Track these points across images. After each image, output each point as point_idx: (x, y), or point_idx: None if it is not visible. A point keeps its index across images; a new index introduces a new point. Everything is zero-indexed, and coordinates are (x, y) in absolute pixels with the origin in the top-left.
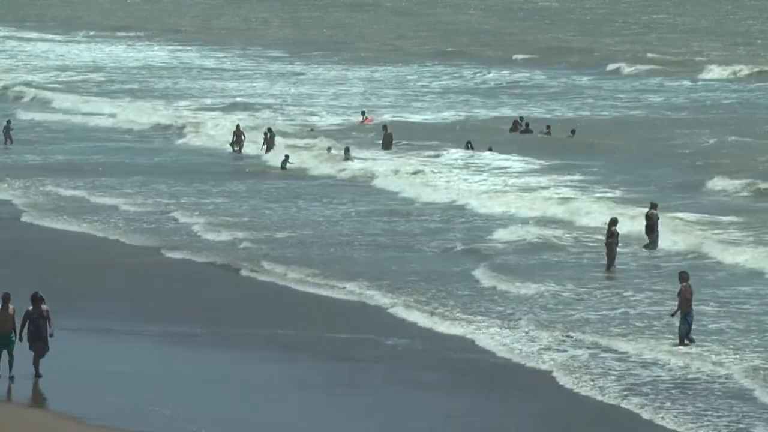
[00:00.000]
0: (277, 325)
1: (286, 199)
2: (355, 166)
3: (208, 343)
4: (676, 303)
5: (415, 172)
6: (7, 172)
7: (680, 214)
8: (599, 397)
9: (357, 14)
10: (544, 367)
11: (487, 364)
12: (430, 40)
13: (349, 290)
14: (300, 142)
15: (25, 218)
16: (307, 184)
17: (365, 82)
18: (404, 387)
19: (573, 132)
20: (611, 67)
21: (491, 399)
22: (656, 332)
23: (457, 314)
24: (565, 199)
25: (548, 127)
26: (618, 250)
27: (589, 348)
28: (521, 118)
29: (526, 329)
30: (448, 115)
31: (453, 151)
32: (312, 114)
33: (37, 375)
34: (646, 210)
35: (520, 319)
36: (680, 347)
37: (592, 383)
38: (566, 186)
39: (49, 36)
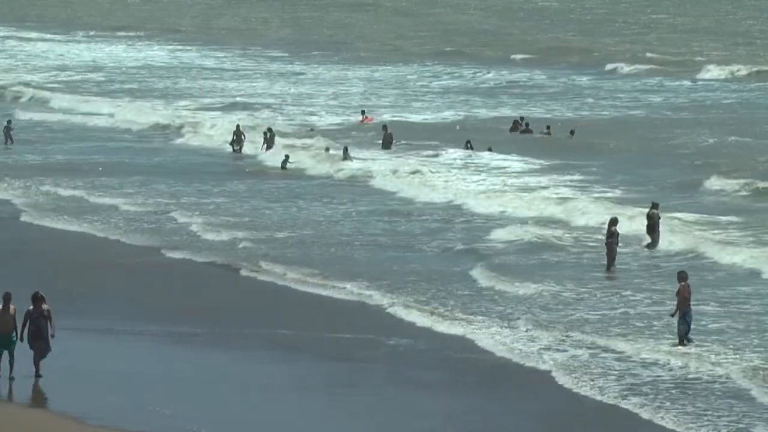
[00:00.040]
0: (277, 325)
1: (287, 199)
2: (353, 165)
3: (208, 343)
4: (676, 303)
5: (413, 172)
6: (7, 171)
7: (679, 214)
8: (599, 397)
9: (357, 14)
10: (544, 366)
11: (487, 364)
12: (430, 40)
13: (349, 290)
14: (298, 142)
15: (25, 218)
16: (306, 184)
17: (365, 82)
18: (404, 387)
19: (572, 132)
20: (610, 66)
21: (491, 399)
22: (656, 332)
23: (457, 314)
24: (564, 199)
25: (548, 127)
26: (618, 249)
27: (589, 348)
28: (522, 118)
29: (526, 329)
30: (448, 115)
31: (452, 151)
32: (311, 114)
33: (38, 375)
34: (643, 210)
35: (519, 318)
36: (680, 347)
37: (591, 383)
38: (565, 186)
39: (49, 36)
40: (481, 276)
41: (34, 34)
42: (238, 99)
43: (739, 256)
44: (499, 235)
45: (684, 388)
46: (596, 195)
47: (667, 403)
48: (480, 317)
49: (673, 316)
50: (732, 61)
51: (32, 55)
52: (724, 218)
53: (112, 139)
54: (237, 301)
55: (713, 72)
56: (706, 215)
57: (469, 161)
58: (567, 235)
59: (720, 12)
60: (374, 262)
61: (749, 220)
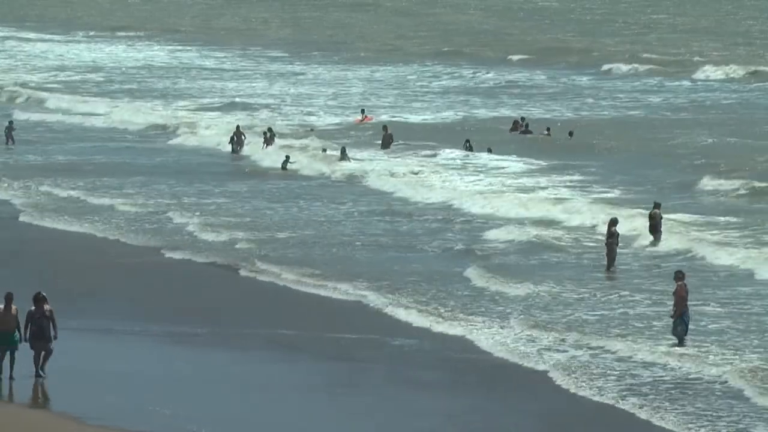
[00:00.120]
0: (278, 325)
1: (287, 200)
2: (351, 166)
3: (208, 343)
4: (673, 303)
5: (412, 173)
6: (6, 172)
7: (678, 215)
8: (599, 398)
9: (357, 14)
10: (543, 367)
11: (486, 364)
12: (430, 40)
13: (350, 290)
14: (296, 143)
15: (25, 218)
16: (306, 185)
17: (365, 82)
18: (404, 387)
19: (571, 134)
20: (607, 66)
21: (491, 399)
22: (656, 333)
23: (457, 314)
24: (563, 200)
25: (548, 128)
26: (618, 250)
27: (588, 348)
28: (522, 119)
29: (526, 329)
30: (448, 115)
31: (450, 151)
32: (310, 114)
33: (38, 375)
34: (641, 210)
35: (519, 319)
36: (677, 348)
37: (591, 383)
38: (564, 186)
39: (49, 36)
40: (480, 276)
41: (33, 35)
42: (237, 99)
43: (738, 257)
44: (498, 235)
45: (684, 389)
46: (595, 196)
47: (667, 404)
48: (480, 317)
49: (672, 317)
50: (731, 62)
51: (32, 55)
52: (722, 218)
53: (113, 139)
54: (237, 301)
55: (712, 72)
56: (704, 216)
57: (468, 161)
58: (567, 236)
59: (720, 12)
60: (374, 263)
61: (748, 220)
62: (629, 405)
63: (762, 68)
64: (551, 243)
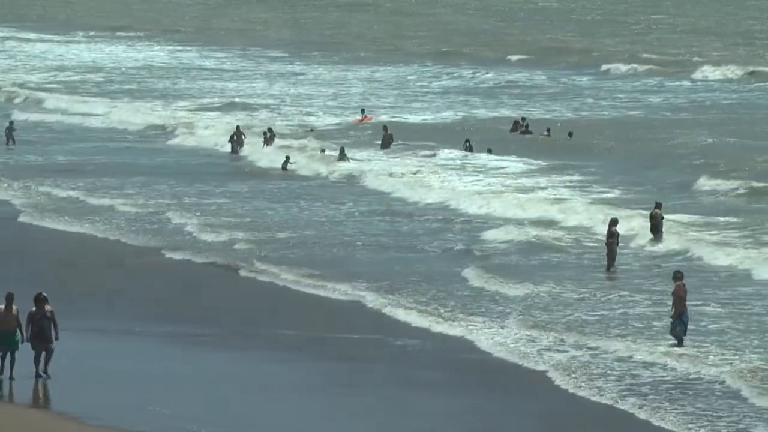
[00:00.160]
0: (277, 325)
1: (288, 200)
2: (350, 166)
3: (208, 343)
4: (671, 302)
5: (410, 173)
6: (5, 172)
7: (678, 215)
8: (598, 398)
9: (357, 14)
10: (543, 367)
11: (486, 364)
12: (430, 40)
13: (350, 291)
14: (294, 143)
15: (25, 218)
16: (306, 185)
17: (365, 83)
18: (404, 387)
19: (570, 134)
20: (606, 67)
21: (491, 399)
22: (656, 333)
23: (457, 315)
24: (562, 200)
25: (548, 129)
26: (618, 250)
27: (588, 348)
28: (523, 119)
29: (526, 329)
30: (447, 116)
31: (449, 151)
32: (310, 114)
33: (38, 375)
34: (639, 210)
35: (519, 319)
36: (677, 348)
37: (591, 384)
38: (564, 187)
39: (49, 36)
40: (480, 276)
41: (33, 35)
42: (236, 99)
43: (737, 257)
44: (497, 235)
45: (684, 389)
46: (594, 196)
47: (666, 404)
48: (480, 318)
49: (672, 318)
50: (731, 62)
51: (31, 55)
52: (722, 219)
53: (112, 139)
54: (237, 301)
55: (712, 72)
56: (704, 216)
57: (467, 162)
58: (566, 236)
59: (720, 12)
60: (374, 263)
61: (747, 220)
62: (629, 405)
63: (761, 68)
64: (551, 243)
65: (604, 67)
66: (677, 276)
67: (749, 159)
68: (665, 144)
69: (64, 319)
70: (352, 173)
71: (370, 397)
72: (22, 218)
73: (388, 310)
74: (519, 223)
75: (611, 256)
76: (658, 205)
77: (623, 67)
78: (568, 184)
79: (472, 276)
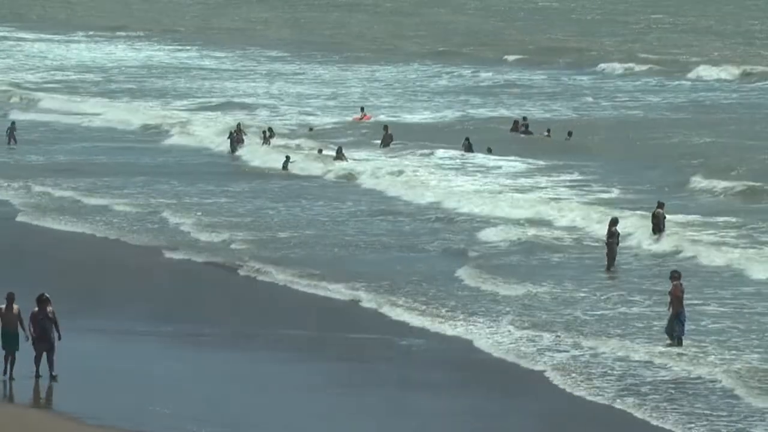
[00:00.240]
0: (278, 325)
1: (287, 200)
2: (348, 166)
3: (208, 343)
4: (669, 302)
5: (408, 172)
6: (6, 172)
7: (678, 216)
8: (599, 398)
9: (357, 14)
10: (543, 367)
11: (486, 364)
12: (430, 40)
13: (350, 291)
14: (292, 143)
15: (25, 219)
16: (303, 185)
17: (364, 82)
18: (404, 387)
19: (570, 134)
20: (603, 66)
21: (491, 399)
22: (656, 332)
23: (457, 314)
24: (560, 200)
25: (548, 130)
26: (618, 249)
27: (588, 348)
28: (524, 118)
29: (525, 329)
30: (447, 115)
31: (448, 151)
32: (309, 114)
33: (38, 375)
34: (639, 210)
35: (518, 319)
36: (676, 348)
37: (591, 383)
38: (563, 186)
39: (48, 36)
40: (479, 276)
41: (33, 34)
42: (235, 99)
43: (737, 257)
44: (497, 235)
45: (683, 389)
46: (593, 196)
47: (666, 404)
48: (479, 317)
49: (671, 319)
50: (731, 62)
51: (30, 55)
52: (721, 219)
53: (112, 139)
54: (238, 301)
55: (711, 72)
56: (703, 216)
57: (466, 161)
58: (566, 236)
59: (720, 12)
60: (373, 263)
61: (746, 220)
62: (628, 405)
63: (761, 68)
64: (550, 243)
65: (601, 66)
66: (674, 276)
67: (748, 159)
68: (664, 144)
69: (64, 319)
70: (350, 173)
71: (370, 397)
72: (20, 218)
73: (388, 310)
74: (519, 223)
75: (611, 255)
76: (661, 205)
77: (620, 67)
78: (567, 184)
79: (472, 276)
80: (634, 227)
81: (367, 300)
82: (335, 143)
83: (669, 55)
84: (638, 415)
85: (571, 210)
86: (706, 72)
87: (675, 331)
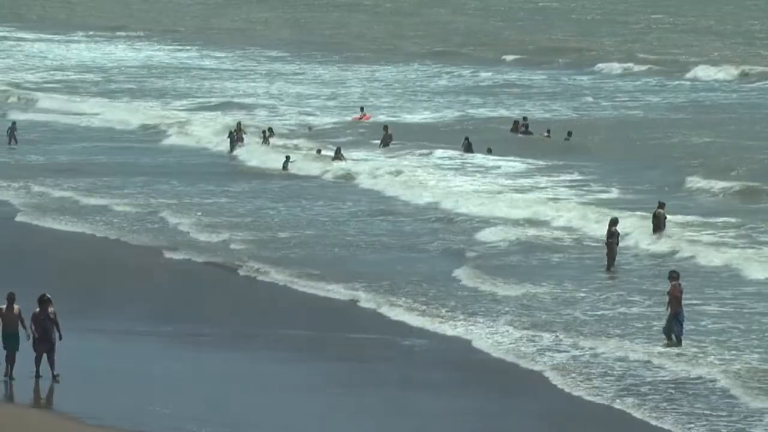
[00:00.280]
0: (278, 325)
1: (288, 199)
2: (346, 166)
3: (208, 343)
4: (667, 302)
5: (408, 172)
6: (6, 172)
7: (678, 216)
8: (599, 398)
9: (357, 14)
10: (543, 367)
11: (486, 364)
12: (430, 40)
13: (349, 291)
14: (290, 143)
15: (25, 219)
16: (302, 185)
17: (364, 82)
18: (404, 387)
19: (569, 134)
20: (601, 66)
21: (490, 399)
22: (655, 333)
23: (457, 315)
24: (559, 200)
25: (548, 131)
26: (618, 249)
27: (588, 349)
28: (524, 118)
29: (525, 329)
30: (447, 115)
31: (447, 151)
32: (308, 114)
33: (38, 375)
34: (638, 210)
35: (518, 319)
36: (675, 348)
37: (590, 383)
38: (562, 186)
39: (48, 36)
40: (479, 276)
41: (33, 34)
42: (235, 99)
43: (736, 257)
44: (497, 235)
45: (684, 389)
46: (592, 196)
47: (665, 404)
48: (479, 318)
49: (670, 319)
50: (730, 62)
51: (30, 55)
52: (720, 219)
53: (112, 139)
54: (238, 301)
55: (711, 72)
56: (703, 216)
57: (465, 161)
58: (566, 236)
59: (720, 12)
60: (373, 263)
61: (745, 220)
62: (628, 405)
63: (761, 68)
64: (550, 243)
65: (599, 66)
66: (673, 276)
67: (748, 159)
68: (664, 144)
69: (64, 319)
70: (348, 173)
71: (369, 397)
72: (20, 218)
73: (387, 310)
74: (517, 223)
75: (611, 255)
76: (661, 205)
77: (618, 67)
78: (567, 184)
79: (472, 276)
80: (634, 227)
81: (367, 300)
82: (334, 143)
83: (669, 55)
84: (638, 415)
85: (570, 210)
86: (706, 72)
87: (673, 331)
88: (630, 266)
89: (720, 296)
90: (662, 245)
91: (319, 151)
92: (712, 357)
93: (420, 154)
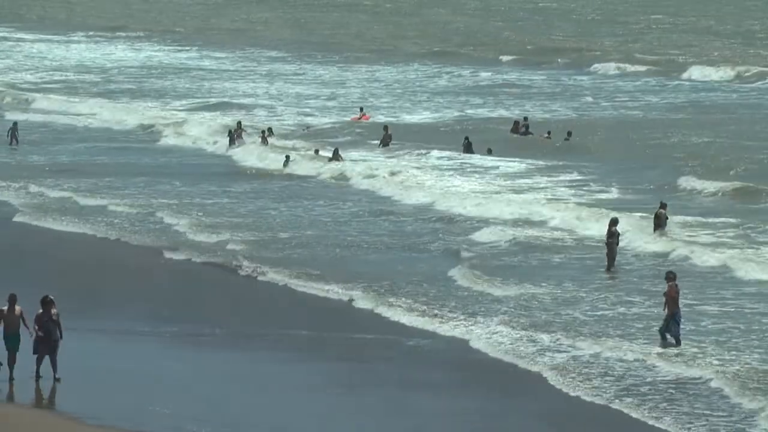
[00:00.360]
0: (278, 325)
1: (289, 200)
2: (344, 166)
3: (208, 343)
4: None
5: (407, 173)
6: (7, 172)
7: (676, 216)
8: (598, 398)
9: (357, 14)
10: (542, 367)
11: (485, 364)
12: (429, 40)
13: (349, 291)
14: (288, 143)
15: (25, 219)
16: (301, 186)
17: (364, 83)
18: (404, 387)
19: (569, 134)
20: (597, 66)
21: (490, 399)
22: (655, 333)
23: (456, 315)
24: (558, 200)
25: (549, 132)
26: (618, 249)
27: (588, 349)
28: (525, 119)
29: (524, 330)
30: (446, 115)
31: (446, 151)
32: (307, 114)
33: (38, 376)
34: (638, 210)
35: (518, 319)
36: (674, 348)
37: (590, 384)
38: (562, 187)
39: (48, 36)
40: (479, 277)
41: (32, 35)
42: (234, 100)
43: (735, 257)
44: (497, 236)
45: (683, 389)
46: (591, 197)
47: (664, 404)
48: (479, 318)
49: (668, 319)
50: (731, 62)
51: (30, 55)
52: (719, 219)
53: (112, 139)
54: (238, 301)
55: (711, 72)
56: (701, 216)
57: (464, 161)
58: (567, 236)
59: (720, 12)
60: (374, 263)
61: (744, 220)
62: (627, 405)
63: (761, 68)
64: (550, 243)
65: (596, 66)
66: (670, 276)
67: (746, 159)
68: (663, 144)
69: (64, 319)
70: (345, 173)
71: (369, 397)
72: (20, 218)
73: (387, 311)
74: (516, 223)
75: (611, 255)
76: (663, 205)
77: (614, 67)
78: (567, 184)
79: (472, 276)
80: (634, 227)
81: (366, 300)
82: (332, 143)
83: (668, 55)
84: (637, 415)
85: (570, 210)
86: (705, 72)
87: (671, 332)
88: (630, 266)
89: (720, 296)
90: (662, 245)
91: (317, 151)
92: (712, 357)
93: (418, 155)
